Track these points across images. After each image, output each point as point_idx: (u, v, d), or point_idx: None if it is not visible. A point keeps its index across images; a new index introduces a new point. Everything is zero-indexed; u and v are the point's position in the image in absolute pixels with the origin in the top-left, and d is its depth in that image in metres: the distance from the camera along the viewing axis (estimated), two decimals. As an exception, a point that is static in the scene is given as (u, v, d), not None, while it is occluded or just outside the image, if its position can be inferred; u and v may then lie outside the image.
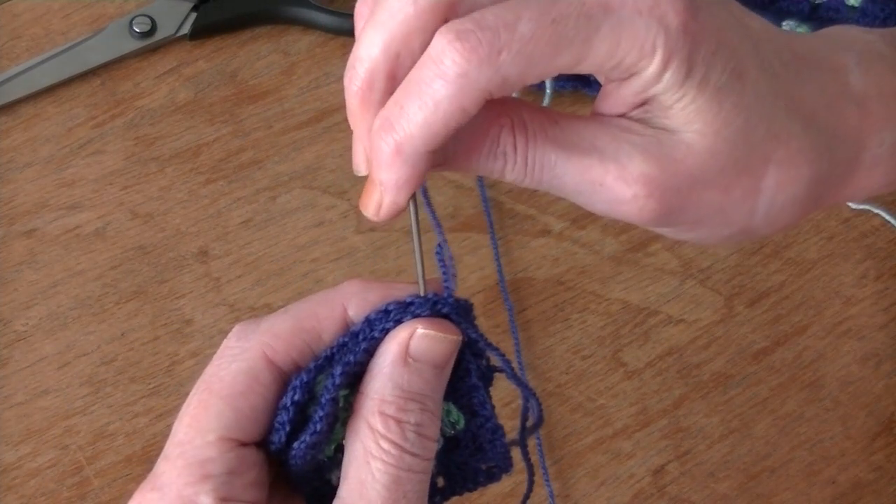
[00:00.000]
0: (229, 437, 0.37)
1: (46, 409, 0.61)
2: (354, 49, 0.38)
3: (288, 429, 0.37)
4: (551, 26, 0.36)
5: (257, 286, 0.65)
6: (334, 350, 0.38)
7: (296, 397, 0.37)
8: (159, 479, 0.37)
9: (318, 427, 0.37)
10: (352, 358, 0.38)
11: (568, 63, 0.37)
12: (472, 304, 0.40)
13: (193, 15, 0.71)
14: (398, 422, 0.37)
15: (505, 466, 0.41)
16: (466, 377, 0.40)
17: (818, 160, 0.41)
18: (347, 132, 0.74)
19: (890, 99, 0.42)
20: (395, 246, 0.66)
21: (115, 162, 0.68)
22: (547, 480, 0.60)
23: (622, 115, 0.39)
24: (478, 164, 0.40)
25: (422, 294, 0.39)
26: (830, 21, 0.72)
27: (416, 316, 0.38)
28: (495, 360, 0.41)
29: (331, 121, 0.70)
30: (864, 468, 0.62)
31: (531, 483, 0.44)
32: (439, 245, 0.40)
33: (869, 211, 0.68)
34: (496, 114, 0.39)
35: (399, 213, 0.39)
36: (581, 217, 0.67)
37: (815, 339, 0.65)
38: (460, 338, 0.39)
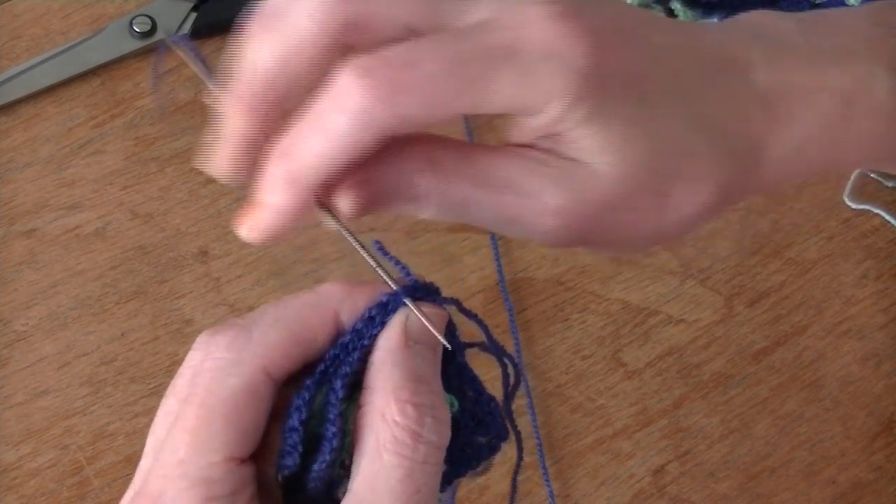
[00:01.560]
0: (233, 456, 0.36)
1: (46, 409, 0.61)
2: (245, 52, 0.39)
3: (301, 449, 0.37)
4: (453, 69, 0.36)
5: (257, 286, 0.65)
6: (328, 364, 0.38)
7: (303, 417, 0.37)
8: (159, 500, 0.36)
9: (334, 443, 0.37)
10: (348, 369, 0.38)
11: (470, 105, 0.37)
12: (437, 286, 0.41)
13: (193, 15, 0.71)
14: (415, 406, 0.37)
15: (503, 435, 0.42)
16: (452, 358, 0.40)
17: (723, 170, 0.41)
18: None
19: (796, 95, 0.42)
20: (395, 246, 0.66)
21: (115, 162, 0.68)
22: (547, 480, 0.60)
23: (531, 146, 0.40)
24: (394, 207, 0.40)
25: (394, 287, 0.40)
26: (830, 21, 0.72)
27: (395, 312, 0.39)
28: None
29: (331, 121, 0.70)
30: (864, 468, 0.62)
31: (521, 449, 0.44)
32: (376, 241, 0.42)
33: (869, 211, 0.68)
34: (409, 154, 0.39)
35: (274, 239, 0.40)
36: (581, 217, 0.67)
37: (815, 339, 0.65)
38: (447, 315, 0.40)
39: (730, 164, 0.42)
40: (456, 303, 0.41)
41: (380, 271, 0.41)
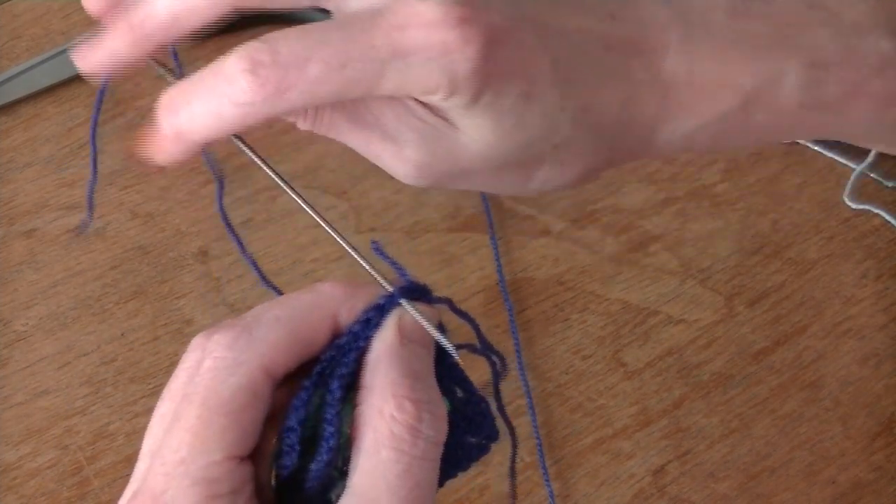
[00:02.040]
0: (234, 454, 0.36)
1: (46, 409, 0.61)
2: None
3: (299, 449, 0.37)
4: (339, 71, 0.39)
5: (257, 286, 0.65)
6: (325, 365, 0.38)
7: (301, 417, 0.37)
8: (161, 499, 0.36)
9: (332, 443, 0.37)
10: (345, 370, 0.38)
11: (354, 98, 0.40)
12: (429, 287, 0.41)
13: (193, 15, 0.71)
14: (412, 401, 0.37)
15: (494, 436, 0.42)
16: (442, 358, 0.40)
17: (595, 157, 0.43)
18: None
19: (697, 88, 0.43)
20: (395, 246, 0.66)
21: (115, 162, 0.68)
22: (547, 480, 0.60)
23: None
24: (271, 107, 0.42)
25: (388, 289, 0.40)
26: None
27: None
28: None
29: (331, 121, 0.70)
30: (864, 468, 0.62)
31: (515, 444, 0.45)
32: (374, 242, 0.42)
33: (869, 211, 0.68)
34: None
35: (168, 164, 0.43)
36: (581, 217, 0.67)
37: (815, 339, 0.65)
38: (438, 313, 0.40)
39: (605, 151, 0.43)
40: (448, 302, 0.41)
41: (373, 273, 0.41)
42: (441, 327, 0.41)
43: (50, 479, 0.60)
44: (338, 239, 0.43)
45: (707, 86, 0.43)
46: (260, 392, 0.37)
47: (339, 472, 0.38)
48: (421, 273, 0.66)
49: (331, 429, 0.37)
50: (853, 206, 0.68)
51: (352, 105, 0.42)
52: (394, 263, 0.41)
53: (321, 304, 0.39)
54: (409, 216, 0.67)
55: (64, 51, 0.70)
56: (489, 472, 0.61)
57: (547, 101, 0.41)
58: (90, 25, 0.72)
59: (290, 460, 0.37)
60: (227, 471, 0.36)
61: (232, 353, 0.37)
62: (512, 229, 0.67)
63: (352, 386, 0.38)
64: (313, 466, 0.37)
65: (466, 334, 0.42)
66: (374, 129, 0.42)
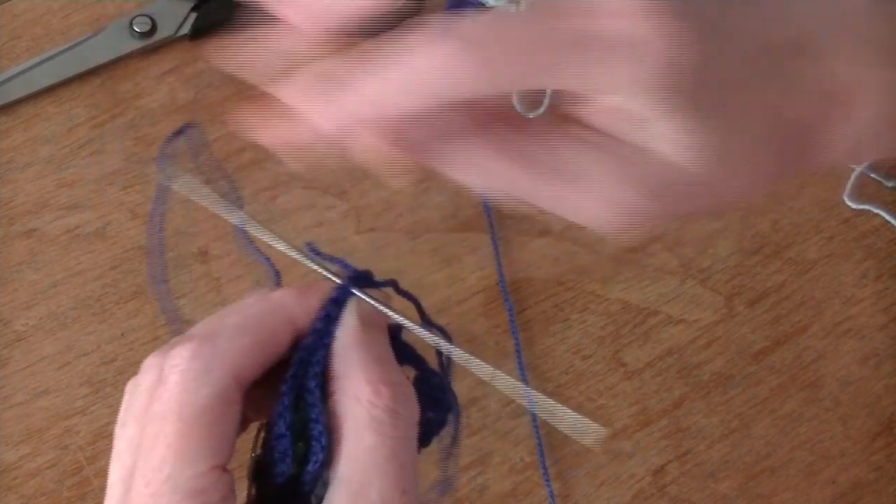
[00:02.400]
0: (218, 464, 0.36)
1: (46, 409, 0.61)
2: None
3: (292, 453, 0.37)
4: (550, 51, 0.35)
5: (257, 286, 0.65)
6: (297, 368, 0.38)
7: (289, 421, 0.38)
8: None
9: (323, 441, 0.37)
10: (318, 369, 0.38)
11: (552, 84, 0.36)
12: (370, 271, 0.42)
13: (193, 15, 0.71)
14: (387, 384, 0.37)
15: (452, 408, 0.43)
16: (395, 340, 0.41)
17: (778, 162, 0.41)
18: (347, 132, 0.74)
19: (861, 92, 0.41)
20: (395, 246, 0.66)
21: (115, 162, 0.68)
22: (547, 480, 0.60)
23: (593, 128, 0.38)
24: (434, 163, 0.39)
25: (338, 281, 0.41)
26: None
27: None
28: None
29: (331, 121, 0.70)
30: (864, 468, 0.62)
31: (457, 408, 0.44)
32: (308, 244, 0.43)
33: (869, 211, 0.68)
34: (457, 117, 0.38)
35: (291, 154, 0.39)
36: (581, 217, 0.67)
37: (815, 339, 0.65)
38: (387, 297, 0.41)
39: (785, 155, 0.41)
40: (393, 284, 0.42)
41: (321, 270, 0.42)
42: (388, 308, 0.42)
43: (50, 479, 0.60)
44: (275, 242, 0.43)
45: (870, 89, 0.41)
46: (232, 400, 0.37)
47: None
48: (421, 273, 0.67)
49: (319, 427, 0.37)
50: (853, 206, 0.68)
51: (524, 147, 0.37)
52: (333, 259, 0.42)
53: (277, 310, 0.39)
54: (409, 216, 0.67)
55: (64, 51, 0.70)
56: (489, 472, 0.61)
57: (737, 98, 0.38)
58: (90, 25, 0.73)
59: (286, 467, 0.37)
60: (214, 480, 0.36)
61: (198, 364, 0.37)
62: (512, 229, 0.67)
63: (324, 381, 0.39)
64: (310, 468, 0.37)
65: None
66: (559, 174, 0.37)
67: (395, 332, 0.41)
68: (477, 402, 0.62)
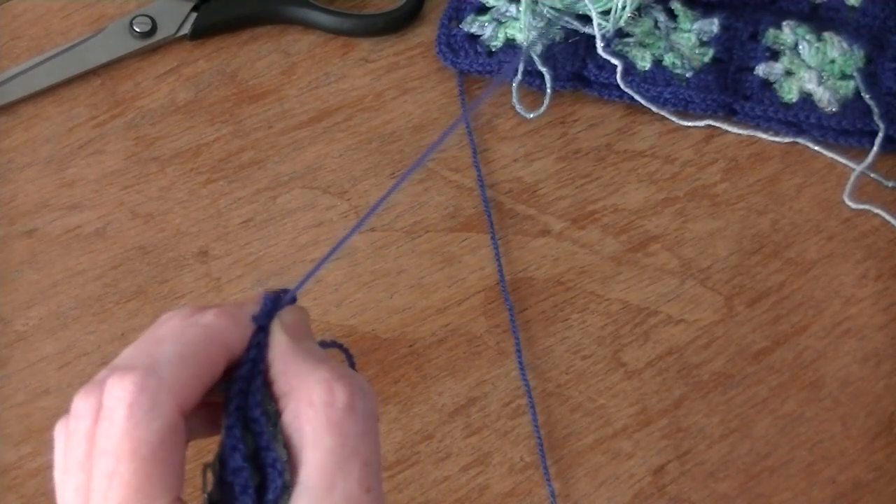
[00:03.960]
0: (177, 496, 0.37)
1: (46, 409, 0.61)
2: None
3: (253, 483, 0.37)
4: None
5: (257, 286, 0.65)
6: (239, 400, 0.39)
7: (244, 453, 0.37)
8: None
9: (279, 466, 0.37)
10: (259, 397, 0.38)
11: None
12: (282, 291, 0.43)
13: (193, 15, 0.71)
14: (340, 381, 0.37)
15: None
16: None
17: None
18: (347, 132, 0.75)
19: None
20: (395, 246, 0.66)
21: (116, 162, 0.68)
22: (547, 480, 0.61)
23: None
24: None
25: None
26: (830, 21, 0.72)
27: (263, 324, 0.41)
28: None
29: (331, 121, 0.70)
30: (864, 468, 0.62)
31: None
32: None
33: (869, 211, 0.68)
34: None
35: None
36: (581, 217, 0.68)
37: (815, 339, 0.65)
38: (301, 307, 0.42)
39: None
40: (292, 296, 0.43)
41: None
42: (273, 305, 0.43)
43: (50, 479, 0.59)
44: None
45: None
46: (180, 431, 0.37)
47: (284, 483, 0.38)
48: (421, 273, 0.67)
49: (273, 454, 0.37)
50: (853, 206, 0.68)
51: None
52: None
53: (215, 338, 0.39)
54: (409, 216, 0.67)
55: (64, 51, 0.70)
56: (489, 472, 0.61)
57: None
58: (90, 25, 0.73)
59: (249, 499, 0.37)
60: None
61: (146, 397, 0.37)
62: (512, 229, 0.67)
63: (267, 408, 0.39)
64: (270, 496, 0.37)
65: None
66: None
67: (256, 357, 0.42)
68: (477, 402, 0.62)
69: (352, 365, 0.45)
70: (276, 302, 0.42)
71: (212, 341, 0.39)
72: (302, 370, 0.38)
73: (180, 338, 0.39)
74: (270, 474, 0.37)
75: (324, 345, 0.44)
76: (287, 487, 0.37)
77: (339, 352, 0.46)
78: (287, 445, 0.38)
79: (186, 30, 0.71)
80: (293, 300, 0.43)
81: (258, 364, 0.39)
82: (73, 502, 0.37)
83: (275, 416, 0.38)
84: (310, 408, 0.37)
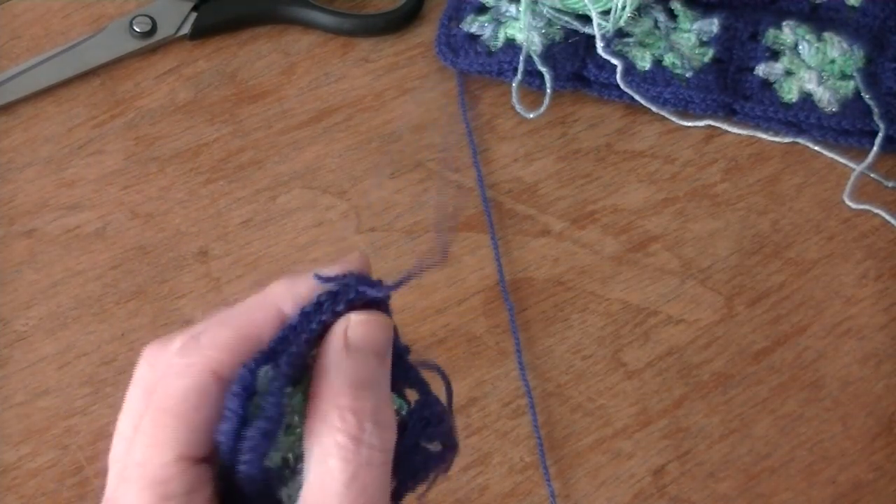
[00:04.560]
0: (187, 455, 0.37)
1: (46, 409, 0.61)
2: None
3: (241, 413, 0.37)
4: None
5: (257, 286, 0.65)
6: (275, 343, 0.38)
7: (246, 383, 0.37)
8: (118, 503, 0.37)
9: (271, 412, 0.37)
10: (294, 349, 0.38)
11: None
12: (385, 286, 0.40)
13: (193, 15, 0.71)
14: (354, 412, 0.37)
15: (453, 444, 0.42)
16: (399, 361, 0.40)
17: None
18: (347, 132, 0.75)
19: None
20: (396, 246, 0.66)
21: (115, 162, 0.68)
22: (547, 480, 0.60)
23: None
24: None
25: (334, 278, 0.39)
26: (830, 21, 0.72)
27: (349, 302, 0.39)
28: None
29: (331, 121, 0.70)
30: (864, 468, 0.62)
31: (450, 394, 0.44)
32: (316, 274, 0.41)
33: (869, 211, 0.68)
34: None
35: None
36: (581, 217, 0.67)
37: (815, 339, 0.65)
38: (391, 321, 0.40)
39: None
40: (385, 294, 0.40)
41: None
42: (395, 330, 0.40)
43: (50, 479, 0.60)
44: None
45: None
46: (210, 392, 0.37)
47: (290, 470, 0.38)
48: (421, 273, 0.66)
49: (272, 399, 0.37)
50: (853, 206, 0.68)
51: None
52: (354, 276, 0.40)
53: (263, 301, 0.40)
54: (409, 216, 0.67)
55: (64, 51, 0.70)
56: (489, 472, 0.61)
57: None
58: (90, 25, 0.73)
59: (229, 425, 0.37)
60: (179, 471, 0.36)
61: (180, 359, 0.38)
62: (512, 229, 0.67)
63: (304, 372, 0.38)
64: (249, 432, 0.37)
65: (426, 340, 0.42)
66: None
67: (401, 351, 0.40)
68: (477, 402, 0.62)
69: (448, 387, 0.43)
70: (350, 291, 0.39)
71: (258, 304, 0.39)
72: (331, 385, 0.38)
73: (234, 306, 0.40)
74: (258, 422, 0.37)
75: (418, 364, 0.42)
76: (266, 439, 0.37)
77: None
78: (301, 437, 0.38)
79: (186, 30, 0.71)
80: (380, 300, 0.40)
81: (311, 322, 0.38)
82: (117, 445, 0.39)
83: (304, 386, 0.38)
84: (324, 427, 0.37)
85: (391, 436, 0.38)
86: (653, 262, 0.67)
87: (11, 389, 0.61)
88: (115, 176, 0.67)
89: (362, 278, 0.40)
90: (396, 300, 0.66)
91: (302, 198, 0.67)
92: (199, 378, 0.37)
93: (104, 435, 0.61)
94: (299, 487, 0.37)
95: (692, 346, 0.64)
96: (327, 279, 0.40)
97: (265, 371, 0.38)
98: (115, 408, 0.62)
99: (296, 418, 0.38)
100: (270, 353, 0.38)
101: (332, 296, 0.39)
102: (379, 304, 0.40)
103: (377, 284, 0.40)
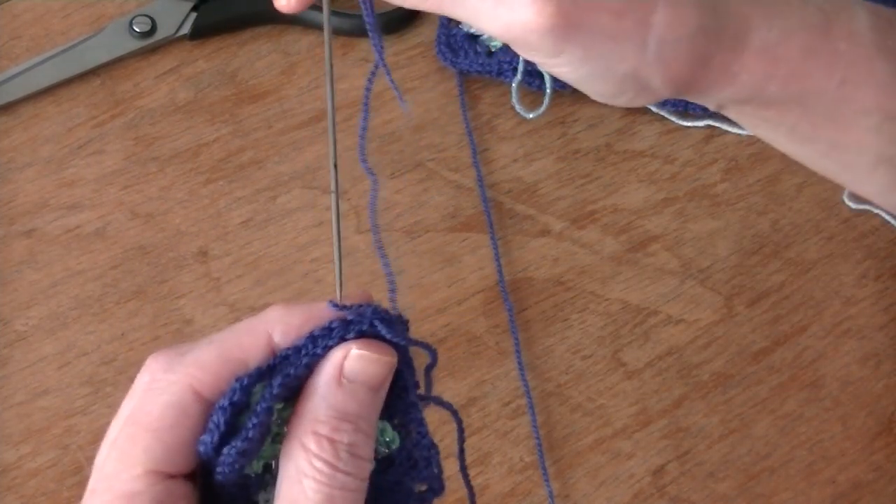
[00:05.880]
0: (157, 469, 0.37)
1: (46, 409, 0.61)
2: None
3: (223, 429, 0.37)
4: None
5: (257, 286, 0.65)
6: (276, 361, 0.38)
7: (234, 398, 0.37)
8: None
9: (251, 434, 0.37)
10: (292, 371, 0.38)
11: None
12: (408, 321, 0.40)
13: (193, 15, 0.71)
14: (331, 441, 0.37)
15: (438, 489, 0.41)
16: (404, 395, 0.40)
17: (705, 12, 0.44)
18: (347, 132, 0.74)
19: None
20: (396, 246, 0.66)
21: (115, 162, 0.68)
22: (547, 480, 0.60)
23: None
24: None
25: (345, 308, 0.39)
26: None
27: (359, 332, 0.38)
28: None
29: (331, 121, 0.70)
30: (864, 468, 0.62)
31: (472, 496, 0.44)
32: (386, 265, 0.41)
33: (869, 211, 0.68)
34: None
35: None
36: (581, 217, 0.67)
37: (815, 339, 0.65)
38: (395, 360, 0.39)
39: (714, 13, 0.44)
40: (404, 336, 0.40)
41: (337, 283, 0.40)
42: (408, 360, 0.40)
43: (50, 479, 0.60)
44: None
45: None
46: (189, 410, 0.37)
47: (272, 475, 0.38)
48: (421, 273, 0.67)
49: (255, 420, 0.37)
50: (853, 206, 0.68)
51: None
52: (391, 283, 0.40)
53: (255, 326, 0.39)
54: (409, 216, 0.67)
55: (64, 51, 0.70)
56: (489, 472, 0.61)
57: None
58: (90, 25, 0.73)
59: (211, 437, 0.37)
60: (147, 485, 0.37)
61: (163, 375, 0.38)
62: (512, 229, 0.67)
63: (297, 393, 0.38)
64: (225, 450, 0.37)
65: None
66: None
67: (408, 385, 0.40)
68: (477, 402, 0.62)
69: (432, 365, 0.42)
70: (362, 323, 0.38)
71: (247, 329, 0.39)
72: (315, 410, 0.38)
73: (227, 327, 0.40)
74: (241, 433, 0.37)
75: (410, 342, 0.41)
76: (243, 458, 0.37)
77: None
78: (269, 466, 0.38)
79: (186, 30, 0.71)
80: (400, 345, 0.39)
81: (316, 348, 0.38)
82: (103, 452, 0.39)
83: (285, 412, 0.38)
84: (300, 448, 0.37)
85: (365, 466, 0.38)
86: (653, 262, 0.67)
87: (11, 389, 0.61)
88: (115, 176, 0.67)
89: (378, 312, 0.39)
90: (396, 300, 0.65)
91: (302, 198, 0.67)
92: (179, 395, 0.37)
93: (104, 435, 0.61)
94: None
95: (692, 346, 0.64)
96: (342, 307, 0.39)
97: (259, 389, 0.38)
98: (115, 407, 0.62)
99: (285, 429, 0.38)
100: (268, 371, 0.38)
101: (345, 324, 0.39)
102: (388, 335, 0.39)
103: (394, 321, 0.39)
